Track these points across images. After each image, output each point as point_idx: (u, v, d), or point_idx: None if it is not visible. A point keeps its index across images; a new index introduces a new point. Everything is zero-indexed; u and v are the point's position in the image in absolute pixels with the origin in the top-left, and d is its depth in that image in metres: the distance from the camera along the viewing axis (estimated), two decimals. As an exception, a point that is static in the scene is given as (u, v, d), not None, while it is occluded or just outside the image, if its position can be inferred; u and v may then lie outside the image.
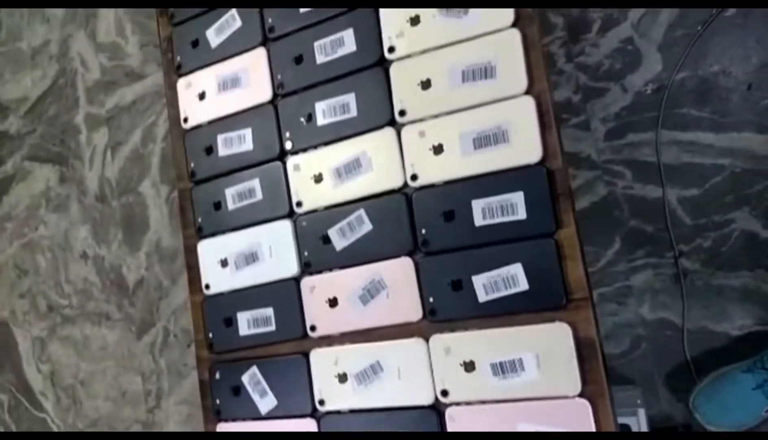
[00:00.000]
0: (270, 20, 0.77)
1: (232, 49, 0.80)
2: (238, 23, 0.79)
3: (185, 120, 0.83)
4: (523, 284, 0.60)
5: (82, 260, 1.90)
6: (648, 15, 1.29)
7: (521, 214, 0.60)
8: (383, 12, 0.70)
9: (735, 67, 1.20)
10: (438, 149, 0.65)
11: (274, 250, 0.74)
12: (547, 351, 0.58)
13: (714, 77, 1.21)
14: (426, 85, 0.66)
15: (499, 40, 0.63)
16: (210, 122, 0.81)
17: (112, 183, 1.90)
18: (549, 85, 0.61)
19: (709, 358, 1.18)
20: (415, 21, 0.68)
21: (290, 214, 0.75)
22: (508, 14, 0.63)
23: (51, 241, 1.95)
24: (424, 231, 0.65)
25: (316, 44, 0.73)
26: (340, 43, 0.72)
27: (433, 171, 0.65)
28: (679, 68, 1.24)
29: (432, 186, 0.66)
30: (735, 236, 1.16)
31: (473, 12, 0.65)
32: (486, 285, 0.61)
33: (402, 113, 0.68)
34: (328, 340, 0.71)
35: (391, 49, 0.69)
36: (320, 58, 0.73)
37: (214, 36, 0.81)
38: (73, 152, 1.98)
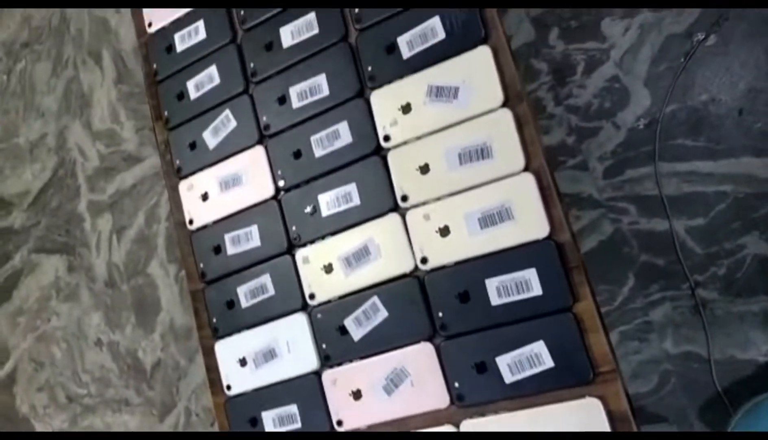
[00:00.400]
0: (264, 118, 0.78)
1: (230, 149, 0.81)
2: (234, 123, 0.81)
3: (190, 222, 0.83)
4: (548, 362, 0.59)
5: (97, 348, 1.90)
6: (629, 52, 1.31)
7: (536, 290, 0.60)
8: (375, 103, 0.71)
9: (723, 94, 1.21)
10: (444, 231, 0.66)
11: (291, 345, 0.74)
12: (581, 428, 0.57)
13: (704, 106, 1.23)
14: (425, 169, 0.67)
15: (491, 120, 0.64)
16: (215, 222, 0.82)
17: (120, 267, 1.91)
18: (546, 160, 0.62)
19: (740, 387, 1.16)
20: (406, 109, 0.69)
21: (304, 307, 0.75)
22: (497, 95, 0.64)
23: (64, 331, 1.95)
24: (441, 314, 0.65)
25: (313, 138, 0.75)
26: (336, 136, 0.73)
27: (443, 253, 0.66)
28: (667, 101, 1.26)
29: (443, 268, 0.66)
30: (748, 262, 1.16)
31: (462, 95, 0.66)
32: (511, 365, 0.61)
33: (404, 198, 0.68)
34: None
35: (387, 138, 0.70)
36: (318, 152, 0.74)
37: (211, 137, 0.82)
38: (79, 240, 1.99)
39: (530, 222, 0.61)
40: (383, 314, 0.69)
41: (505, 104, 0.64)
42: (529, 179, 0.62)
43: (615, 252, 1.28)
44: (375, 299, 0.69)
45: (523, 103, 0.63)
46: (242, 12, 0.81)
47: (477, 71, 0.65)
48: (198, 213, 0.83)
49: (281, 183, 0.76)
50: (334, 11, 0.74)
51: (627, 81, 1.31)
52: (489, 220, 0.63)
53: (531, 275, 0.60)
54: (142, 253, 1.88)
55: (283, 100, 0.77)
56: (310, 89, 0.75)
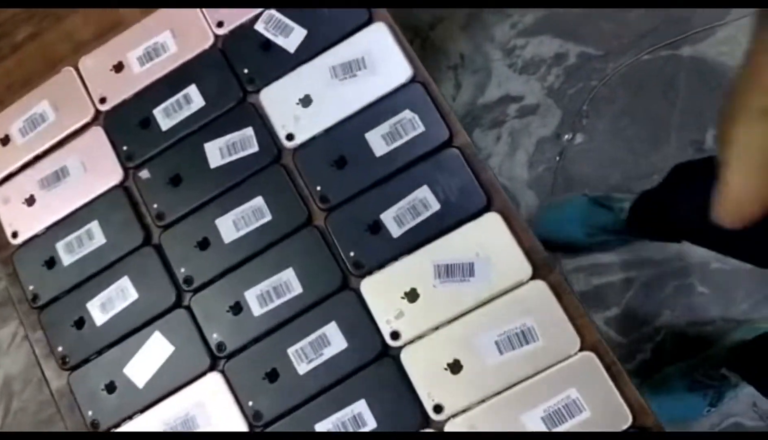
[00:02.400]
0: (215, 335, 0.61)
1: (174, 382, 0.61)
2: (170, 348, 0.61)
3: (123, 494, 0.60)
4: None
5: None
6: (506, 159, 1.35)
7: (633, 490, 0.51)
8: (368, 294, 0.59)
9: (600, 188, 1.29)
10: None
11: None
12: None
13: (589, 201, 1.29)
14: (455, 367, 0.56)
15: (524, 296, 0.56)
16: (164, 486, 0.60)
17: None
18: (597, 329, 0.54)
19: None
20: (412, 296, 0.58)
21: None
22: (523, 266, 0.56)
23: None
24: None
25: (291, 351, 0.59)
26: (324, 343, 0.58)
27: (504, 468, 0.54)
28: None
29: (509, 487, 0.54)
30: (668, 342, 1.21)
31: (479, 271, 0.57)
32: None
33: (437, 408, 0.56)
34: None
35: (395, 335, 0.57)
36: (302, 368, 0.58)
37: (137, 369, 0.62)
38: None
39: (606, 412, 0.53)
40: None
41: (534, 276, 0.56)
42: (591, 360, 0.54)
43: (544, 357, 1.26)
44: None
45: (555, 271, 0.56)
46: (155, 205, 0.64)
47: (490, 242, 0.57)
48: (133, 479, 0.60)
49: (258, 418, 0.59)
50: (289, 195, 0.61)
51: (511, 186, 1.34)
52: (556, 418, 0.53)
53: (626, 474, 0.51)
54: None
55: (238, 308, 0.61)
56: (275, 289, 0.60)
